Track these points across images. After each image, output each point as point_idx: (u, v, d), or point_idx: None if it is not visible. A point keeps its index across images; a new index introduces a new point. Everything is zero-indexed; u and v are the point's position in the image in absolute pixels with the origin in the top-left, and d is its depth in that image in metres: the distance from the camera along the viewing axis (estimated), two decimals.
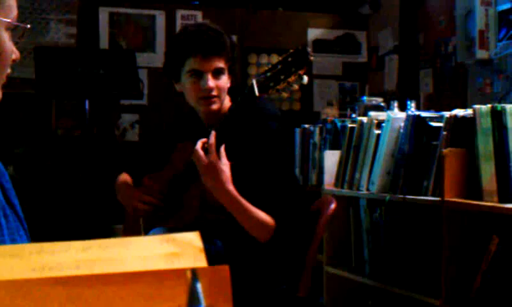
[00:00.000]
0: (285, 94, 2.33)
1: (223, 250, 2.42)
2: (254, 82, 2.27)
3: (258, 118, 2.43)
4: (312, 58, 2.22)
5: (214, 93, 2.41)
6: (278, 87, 2.24)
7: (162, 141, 2.78)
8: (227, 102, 2.51)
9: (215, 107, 2.44)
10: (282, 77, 2.22)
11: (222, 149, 2.27)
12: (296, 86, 2.27)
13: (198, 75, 2.41)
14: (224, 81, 2.44)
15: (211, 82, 2.39)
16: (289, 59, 2.22)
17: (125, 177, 2.68)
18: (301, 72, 2.22)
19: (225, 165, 2.27)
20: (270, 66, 2.28)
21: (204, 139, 2.30)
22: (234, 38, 2.56)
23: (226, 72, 2.44)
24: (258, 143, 2.41)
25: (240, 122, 2.35)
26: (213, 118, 2.46)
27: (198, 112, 2.54)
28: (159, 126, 5.63)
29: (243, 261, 2.41)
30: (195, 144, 2.34)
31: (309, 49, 2.24)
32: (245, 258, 2.42)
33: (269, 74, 2.25)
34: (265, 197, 2.35)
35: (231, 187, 2.28)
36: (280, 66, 2.23)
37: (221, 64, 2.41)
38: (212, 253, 2.36)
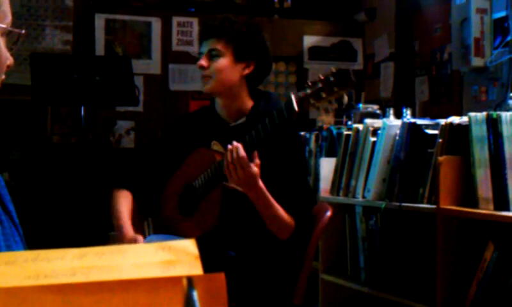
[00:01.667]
0: (324, 113, 2.42)
1: (235, 260, 2.43)
2: (293, 97, 2.32)
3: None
4: (355, 81, 2.34)
5: (206, 72, 2.51)
6: (318, 104, 2.32)
7: (177, 141, 2.69)
8: (248, 102, 2.55)
9: (208, 86, 2.53)
10: (324, 95, 2.29)
11: (255, 154, 2.31)
12: (334, 104, 2.39)
13: (201, 56, 2.55)
14: (222, 63, 2.50)
15: (202, 61, 2.51)
16: (331, 79, 2.29)
17: (126, 206, 2.56)
18: (343, 92, 2.31)
19: (257, 166, 2.31)
20: (309, 83, 2.34)
21: (231, 148, 2.31)
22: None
23: (227, 56, 2.50)
24: (280, 147, 2.46)
25: (270, 133, 2.38)
26: (232, 114, 2.56)
27: (217, 107, 2.60)
28: (155, 132, 5.63)
29: (253, 269, 2.43)
30: (209, 146, 2.50)
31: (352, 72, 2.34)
32: (255, 267, 2.44)
33: (309, 91, 2.30)
34: (287, 199, 2.41)
35: (261, 183, 2.34)
36: (320, 85, 2.30)
37: (217, 46, 2.49)
38: (225, 263, 2.38)
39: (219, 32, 2.50)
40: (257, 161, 2.30)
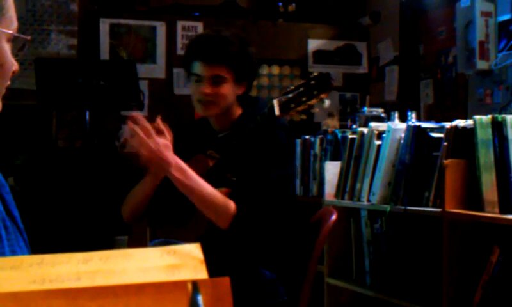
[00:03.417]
0: (304, 116, 2.40)
1: (236, 265, 2.43)
2: (275, 102, 2.33)
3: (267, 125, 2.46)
4: (335, 84, 2.32)
5: (210, 98, 2.49)
6: (298, 108, 2.32)
7: (176, 151, 2.75)
8: (237, 111, 2.57)
9: (211, 112, 2.53)
10: (304, 99, 2.30)
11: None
12: (316, 109, 2.38)
13: (199, 79, 2.51)
14: (226, 89, 2.49)
15: (207, 89, 2.48)
16: (312, 82, 2.30)
17: None
18: (323, 96, 2.30)
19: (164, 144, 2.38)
20: (291, 87, 2.35)
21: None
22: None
23: (230, 81, 2.49)
24: (262, 149, 2.44)
25: (255, 137, 2.38)
26: (223, 124, 2.56)
27: (209, 119, 2.61)
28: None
29: (247, 272, 2.41)
30: (205, 152, 2.49)
31: (332, 75, 2.35)
32: (249, 270, 2.42)
33: (290, 95, 2.31)
34: (242, 185, 2.39)
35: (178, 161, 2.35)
36: (302, 89, 2.30)
37: (221, 72, 2.47)
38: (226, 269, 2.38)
39: (221, 58, 2.46)
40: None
